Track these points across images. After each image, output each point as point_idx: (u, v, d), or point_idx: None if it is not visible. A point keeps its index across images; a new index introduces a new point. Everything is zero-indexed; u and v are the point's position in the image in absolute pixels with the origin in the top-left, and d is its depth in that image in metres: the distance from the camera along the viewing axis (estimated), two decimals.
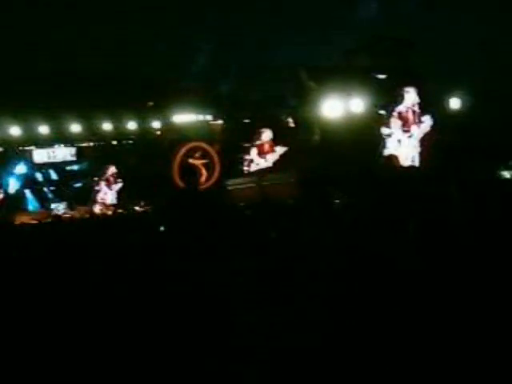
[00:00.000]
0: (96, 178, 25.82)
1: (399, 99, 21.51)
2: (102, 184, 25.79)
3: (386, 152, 21.32)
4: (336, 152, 20.23)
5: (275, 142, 24.78)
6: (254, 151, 25.16)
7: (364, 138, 20.58)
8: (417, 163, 21.12)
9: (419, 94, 21.28)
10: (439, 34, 20.14)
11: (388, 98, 21.42)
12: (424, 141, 21.31)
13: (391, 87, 21.50)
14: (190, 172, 24.96)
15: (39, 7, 21.73)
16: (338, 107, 21.60)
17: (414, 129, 21.41)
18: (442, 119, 21.16)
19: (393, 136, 21.42)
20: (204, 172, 25.81)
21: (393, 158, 21.06)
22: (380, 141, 21.24)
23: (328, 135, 21.64)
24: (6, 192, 24.65)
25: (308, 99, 22.32)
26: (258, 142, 25.07)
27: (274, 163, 24.68)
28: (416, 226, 6.27)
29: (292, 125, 24.23)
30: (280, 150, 24.66)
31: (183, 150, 25.60)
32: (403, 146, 21.37)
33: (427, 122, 21.44)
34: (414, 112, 21.46)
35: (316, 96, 21.92)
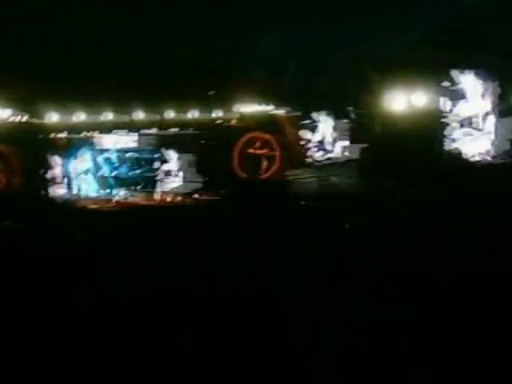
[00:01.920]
0: (157, 165, 26.04)
1: (464, 93, 21.18)
2: (163, 171, 25.99)
3: (450, 146, 21.00)
4: (398, 145, 20.02)
5: (337, 133, 24.65)
6: (315, 142, 25.07)
7: (427, 132, 20.32)
8: (487, 158, 20.67)
9: (486, 88, 20.90)
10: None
11: (453, 92, 21.08)
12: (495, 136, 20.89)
13: (456, 81, 21.17)
14: (250, 162, 24.99)
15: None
16: (401, 100, 21.38)
17: (480, 123, 21.04)
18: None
19: (458, 130, 21.12)
20: (265, 162, 25.80)
21: (457, 153, 20.74)
22: (443, 135, 20.92)
23: (390, 128, 21.43)
24: (70, 177, 25.04)
25: (371, 92, 22.12)
26: (319, 133, 24.98)
27: (336, 156, 24.55)
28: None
29: (354, 116, 24.04)
30: (342, 142, 24.52)
31: (244, 140, 25.64)
32: (469, 140, 21.03)
33: (493, 118, 21.06)
34: (481, 106, 21.08)
35: (379, 89, 21.71)
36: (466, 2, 20.61)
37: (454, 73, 21.15)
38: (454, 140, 21.12)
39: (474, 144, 21.08)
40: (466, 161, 20.60)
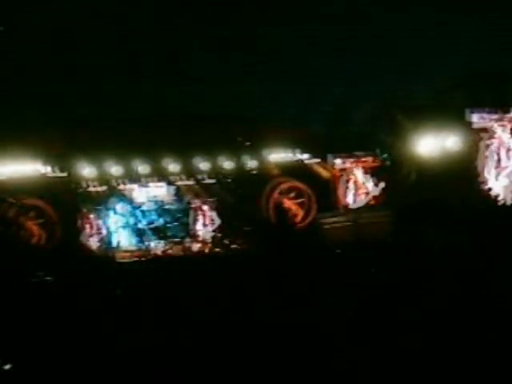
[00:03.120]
0: (193, 216, 26.24)
1: (493, 135, 21.16)
2: (199, 222, 26.17)
3: (484, 188, 20.93)
4: (432, 190, 19.98)
5: (372, 179, 24.72)
6: (349, 189, 25.13)
7: (461, 176, 20.29)
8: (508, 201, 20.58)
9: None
10: None
11: (482, 135, 21.07)
12: None
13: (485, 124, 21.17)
14: (282, 212, 25.10)
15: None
16: (434, 145, 21.45)
17: (506, 165, 20.97)
18: None
19: (488, 172, 21.06)
20: (300, 211, 25.88)
21: (489, 195, 20.65)
22: (477, 178, 20.88)
23: (425, 173, 21.43)
24: (107, 229, 25.29)
25: (403, 137, 22.21)
26: (353, 180, 25.06)
27: (370, 201, 24.57)
28: None
29: (388, 163, 24.09)
30: (376, 187, 24.57)
31: (278, 190, 25.79)
32: (497, 182, 20.96)
33: None
34: (507, 147, 21.03)
35: (411, 134, 21.80)
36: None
37: (482, 114, 21.16)
38: (487, 183, 21.07)
39: (500, 185, 21.03)
40: (501, 202, 20.49)
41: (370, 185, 24.81)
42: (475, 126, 20.92)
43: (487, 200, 20.32)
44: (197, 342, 5.77)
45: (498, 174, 21.23)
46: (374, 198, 24.67)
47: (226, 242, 24.84)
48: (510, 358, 4.65)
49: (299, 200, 25.98)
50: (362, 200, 24.88)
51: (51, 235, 23.55)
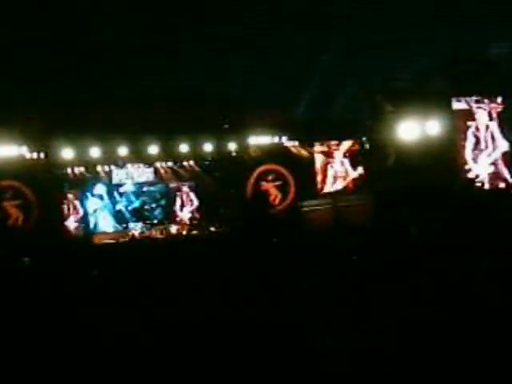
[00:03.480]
0: (172, 198, 26.20)
1: (474, 120, 21.22)
2: (178, 204, 26.14)
3: (465, 173, 21.03)
4: (412, 175, 20.02)
5: (351, 163, 24.74)
6: (329, 172, 25.15)
7: (440, 160, 20.33)
8: (485, 185, 20.66)
9: (496, 114, 20.94)
10: None
11: (464, 120, 21.12)
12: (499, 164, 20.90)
13: (467, 109, 21.22)
14: (260, 195, 25.09)
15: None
16: (415, 130, 21.47)
17: (485, 149, 21.06)
18: None
19: (468, 156, 21.14)
20: (278, 194, 25.90)
21: (470, 180, 20.73)
22: (457, 164, 20.94)
23: (404, 158, 21.47)
24: (85, 211, 25.18)
25: (384, 122, 22.21)
26: (332, 164, 25.08)
27: (349, 185, 24.60)
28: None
29: (367, 147, 24.11)
30: (355, 171, 24.60)
31: (257, 173, 25.78)
32: (475, 164, 21.05)
33: (503, 144, 21.09)
34: (487, 131, 21.09)
35: (392, 119, 21.81)
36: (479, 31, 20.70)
37: (465, 100, 21.22)
38: (468, 167, 21.15)
39: (487, 169, 21.10)
40: (480, 187, 20.57)
41: (349, 169, 24.84)
42: (456, 110, 20.98)
43: (467, 184, 20.38)
44: (172, 322, 5.73)
45: (476, 157, 21.31)
46: (353, 182, 24.70)
47: (205, 224, 24.82)
48: (496, 337, 4.64)
49: (277, 183, 26.00)
50: (341, 184, 24.90)
51: (28, 217, 23.39)
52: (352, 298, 5.82)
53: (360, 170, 24.47)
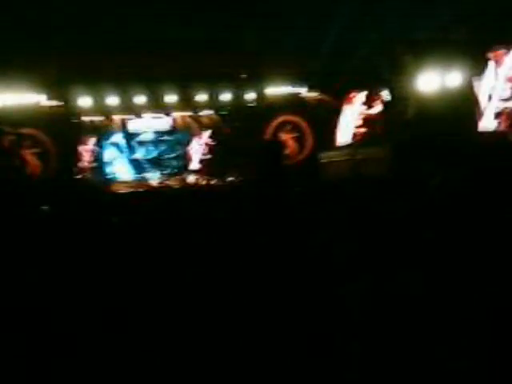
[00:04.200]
0: (190, 148, 26.18)
1: (498, 74, 20.89)
2: (196, 153, 26.13)
3: (486, 126, 20.76)
4: (432, 126, 19.83)
5: (371, 115, 24.52)
6: (348, 124, 24.98)
7: (461, 112, 20.11)
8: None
9: None
10: None
11: (488, 73, 20.79)
12: None
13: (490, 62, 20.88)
14: (275, 146, 25.00)
15: None
16: (435, 81, 21.21)
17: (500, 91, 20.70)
18: None
19: (488, 109, 20.86)
20: (295, 146, 25.83)
21: (492, 132, 20.46)
22: (478, 116, 20.69)
23: (424, 109, 21.25)
24: (103, 160, 25.26)
25: (404, 73, 21.95)
26: (352, 115, 24.88)
27: (368, 136, 24.40)
28: None
29: (387, 98, 23.86)
30: (375, 123, 24.39)
31: (275, 123, 25.69)
32: (503, 119, 20.75)
33: None
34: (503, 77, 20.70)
35: (412, 69, 21.54)
36: None
37: (489, 53, 20.87)
38: (489, 120, 20.88)
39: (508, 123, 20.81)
40: (502, 139, 20.29)
41: (369, 120, 24.63)
42: (475, 61, 20.65)
43: (486, 136, 20.16)
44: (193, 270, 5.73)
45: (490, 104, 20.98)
46: (372, 133, 24.49)
47: (223, 174, 24.81)
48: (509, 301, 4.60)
49: (295, 134, 25.92)
50: (360, 135, 24.72)
51: (47, 165, 23.50)
52: (371, 248, 5.79)
53: (380, 121, 24.24)
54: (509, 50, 20.17)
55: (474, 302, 4.55)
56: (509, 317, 4.28)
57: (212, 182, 24.67)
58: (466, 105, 20.38)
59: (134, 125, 25.70)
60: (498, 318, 4.29)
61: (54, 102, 23.80)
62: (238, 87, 25.47)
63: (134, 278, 5.72)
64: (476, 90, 20.57)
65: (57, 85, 23.47)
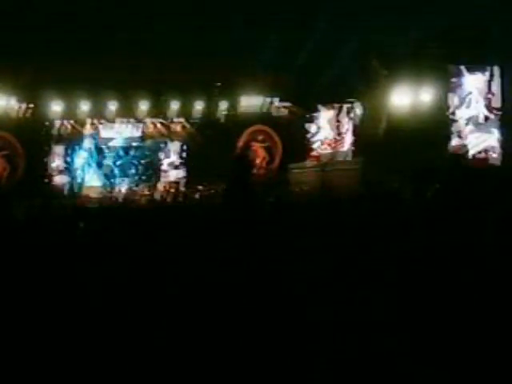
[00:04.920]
0: (161, 155, 26.05)
1: (470, 90, 21.05)
2: (166, 161, 26.00)
3: (455, 142, 20.89)
4: (402, 140, 19.93)
5: (342, 127, 24.55)
6: (319, 136, 25.02)
7: (432, 127, 20.21)
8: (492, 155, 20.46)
9: (492, 81, 20.75)
10: None
11: (459, 89, 20.96)
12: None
13: (462, 77, 21.04)
14: (244, 156, 24.97)
15: None
16: (408, 95, 21.32)
17: (476, 117, 20.86)
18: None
19: (458, 124, 21.00)
20: (266, 156, 25.85)
21: (461, 148, 20.58)
22: (449, 131, 20.83)
23: (395, 123, 21.34)
24: (73, 165, 25.04)
25: (378, 86, 22.04)
26: (323, 127, 24.92)
27: (339, 149, 24.42)
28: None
29: (360, 110, 23.92)
30: (346, 135, 24.42)
31: (247, 133, 25.69)
32: (469, 134, 20.88)
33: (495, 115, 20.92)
34: (480, 99, 20.87)
35: (386, 83, 21.65)
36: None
37: (461, 69, 21.03)
38: (460, 136, 21.01)
39: (479, 141, 20.94)
40: (471, 158, 20.42)
41: (340, 133, 24.65)
42: (451, 77, 20.81)
43: (457, 153, 20.27)
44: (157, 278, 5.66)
45: (467, 125, 21.13)
46: (343, 146, 24.50)
47: (193, 183, 24.69)
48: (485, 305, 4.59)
49: (266, 144, 25.95)
50: (331, 148, 24.75)
51: (15, 168, 23.26)
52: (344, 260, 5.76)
53: (351, 134, 24.28)
54: (484, 71, 20.40)
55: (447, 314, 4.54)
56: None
57: (182, 190, 24.55)
58: (437, 120, 20.51)
59: (105, 131, 25.51)
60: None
61: (25, 105, 23.59)
62: (211, 96, 25.44)
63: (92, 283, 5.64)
64: (449, 105, 20.73)
65: (28, 88, 23.26)
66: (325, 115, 24.84)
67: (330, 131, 24.79)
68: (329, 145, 24.81)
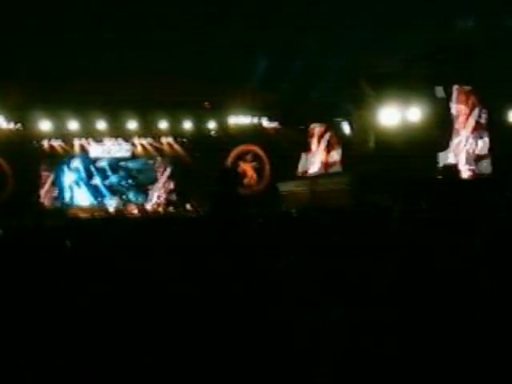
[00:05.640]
0: (149, 175, 26.02)
1: (457, 110, 21.13)
2: (155, 181, 25.97)
3: (444, 161, 20.94)
4: (391, 160, 19.94)
5: (330, 147, 24.58)
6: (308, 155, 25.04)
7: (420, 147, 20.24)
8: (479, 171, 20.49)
9: (479, 102, 20.86)
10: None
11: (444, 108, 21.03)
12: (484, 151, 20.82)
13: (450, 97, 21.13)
14: (232, 174, 24.90)
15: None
16: (395, 115, 21.37)
17: (463, 134, 20.94)
18: (502, 132, 20.64)
19: (452, 146, 21.07)
20: (254, 175, 25.86)
21: (451, 168, 20.62)
22: (436, 151, 20.86)
23: (383, 143, 21.36)
24: (60, 185, 24.97)
25: (365, 106, 22.10)
26: (312, 147, 24.96)
27: (328, 168, 24.43)
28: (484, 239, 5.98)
29: (347, 131, 23.98)
30: (334, 155, 24.44)
31: (235, 153, 25.69)
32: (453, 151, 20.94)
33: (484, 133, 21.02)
34: (468, 120, 20.96)
35: (373, 103, 21.69)
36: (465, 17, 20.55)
37: (448, 88, 21.11)
38: (448, 155, 21.07)
39: (465, 158, 21.01)
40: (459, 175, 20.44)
41: (329, 152, 24.68)
42: (438, 98, 20.86)
43: (445, 172, 20.30)
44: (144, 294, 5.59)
45: (453, 145, 21.19)
46: (332, 165, 24.52)
47: (181, 202, 24.67)
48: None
49: (254, 163, 25.96)
50: (320, 167, 24.76)
51: (3, 187, 23.16)
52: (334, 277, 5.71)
53: (339, 154, 24.30)
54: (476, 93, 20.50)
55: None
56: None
57: (170, 211, 24.51)
58: (425, 139, 20.54)
59: (93, 150, 25.47)
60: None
61: (13, 125, 23.54)
62: (200, 116, 25.47)
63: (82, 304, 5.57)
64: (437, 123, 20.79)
65: (16, 108, 23.22)
66: (313, 134, 24.88)
67: (318, 150, 24.82)
68: (319, 163, 24.83)
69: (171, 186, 25.88)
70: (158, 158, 26.11)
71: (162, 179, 25.99)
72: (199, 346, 4.65)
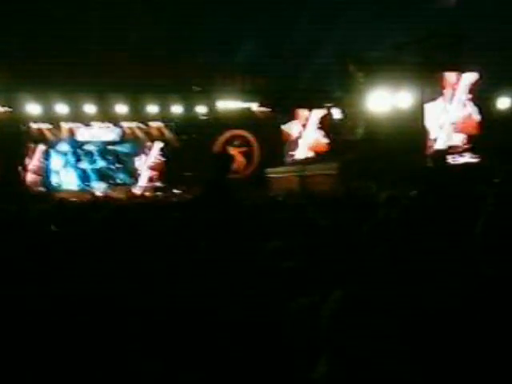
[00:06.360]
0: (137, 159, 25.92)
1: (448, 95, 21.12)
2: (143, 165, 25.87)
3: (434, 147, 20.93)
4: (380, 145, 19.91)
5: (320, 132, 24.53)
6: (298, 140, 25.00)
7: (409, 132, 20.22)
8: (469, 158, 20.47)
9: (468, 87, 20.86)
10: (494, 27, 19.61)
11: (437, 94, 21.01)
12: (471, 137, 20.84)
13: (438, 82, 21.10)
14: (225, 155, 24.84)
15: None
16: (385, 100, 21.32)
17: (452, 114, 20.93)
18: (489, 117, 20.69)
19: (440, 132, 21.05)
20: (243, 160, 25.77)
21: (440, 152, 20.60)
22: (425, 136, 20.85)
23: (373, 128, 21.33)
24: (48, 168, 24.85)
25: (355, 91, 22.03)
26: (302, 132, 24.90)
27: (318, 154, 24.38)
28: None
29: (337, 115, 23.93)
30: (325, 140, 24.39)
31: (224, 137, 25.61)
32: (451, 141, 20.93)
33: (473, 113, 21.01)
34: (458, 104, 20.95)
35: (363, 88, 21.63)
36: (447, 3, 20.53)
37: (439, 74, 21.08)
38: (436, 140, 21.07)
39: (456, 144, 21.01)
40: (448, 161, 20.43)
41: (319, 138, 24.64)
42: (428, 83, 20.85)
43: (433, 157, 20.31)
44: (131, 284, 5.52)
45: (442, 129, 21.19)
46: (321, 151, 24.48)
47: (170, 186, 24.56)
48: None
49: (243, 149, 25.88)
50: (310, 152, 24.73)
51: None
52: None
53: (329, 139, 24.25)
54: (461, 74, 20.47)
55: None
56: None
57: (158, 194, 24.40)
58: (415, 125, 20.52)
59: (81, 134, 25.33)
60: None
61: (1, 109, 23.39)
62: (189, 100, 25.34)
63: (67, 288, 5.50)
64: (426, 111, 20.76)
65: (4, 91, 23.04)
66: (303, 119, 24.81)
67: (307, 135, 24.78)
68: (308, 149, 24.78)
69: (160, 170, 25.78)
70: (146, 143, 25.99)
71: (150, 164, 25.88)
72: (189, 335, 4.59)
